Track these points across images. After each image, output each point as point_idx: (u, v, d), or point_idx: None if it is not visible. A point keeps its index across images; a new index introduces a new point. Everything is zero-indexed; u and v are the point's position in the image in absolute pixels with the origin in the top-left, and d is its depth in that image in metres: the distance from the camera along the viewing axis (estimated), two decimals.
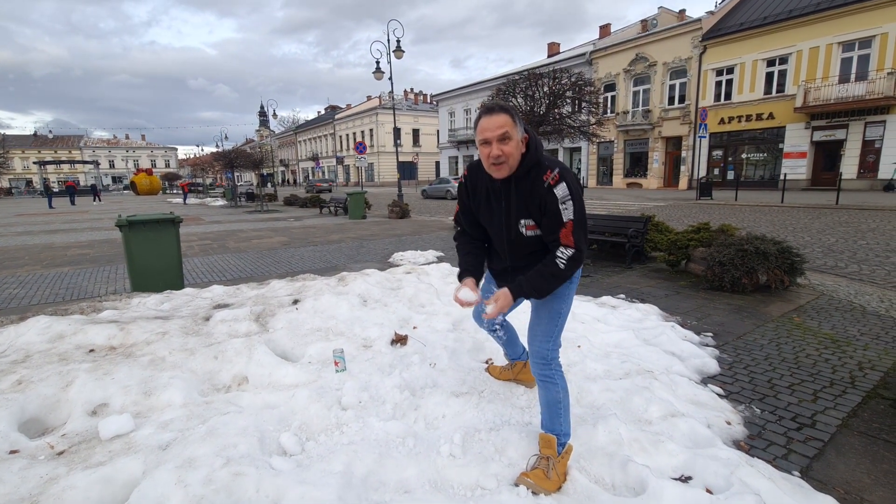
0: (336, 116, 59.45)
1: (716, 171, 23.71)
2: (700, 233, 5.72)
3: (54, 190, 29.13)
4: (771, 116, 21.30)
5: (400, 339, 2.79)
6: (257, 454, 1.65)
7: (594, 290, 5.00)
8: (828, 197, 15.69)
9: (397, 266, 6.48)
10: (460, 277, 1.95)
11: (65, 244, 10.16)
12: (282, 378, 2.28)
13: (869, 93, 18.04)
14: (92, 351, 2.43)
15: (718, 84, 23.02)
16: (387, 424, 1.91)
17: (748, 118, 22.05)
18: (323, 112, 70.57)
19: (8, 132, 68.16)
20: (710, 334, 3.57)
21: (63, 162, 54.61)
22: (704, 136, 18.82)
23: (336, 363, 2.40)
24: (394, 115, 18.14)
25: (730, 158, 23.56)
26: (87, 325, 2.61)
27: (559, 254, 1.65)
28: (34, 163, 56.06)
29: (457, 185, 2.05)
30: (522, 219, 1.74)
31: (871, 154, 18.92)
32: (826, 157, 20.36)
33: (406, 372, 2.43)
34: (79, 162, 58.58)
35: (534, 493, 1.68)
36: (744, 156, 23.02)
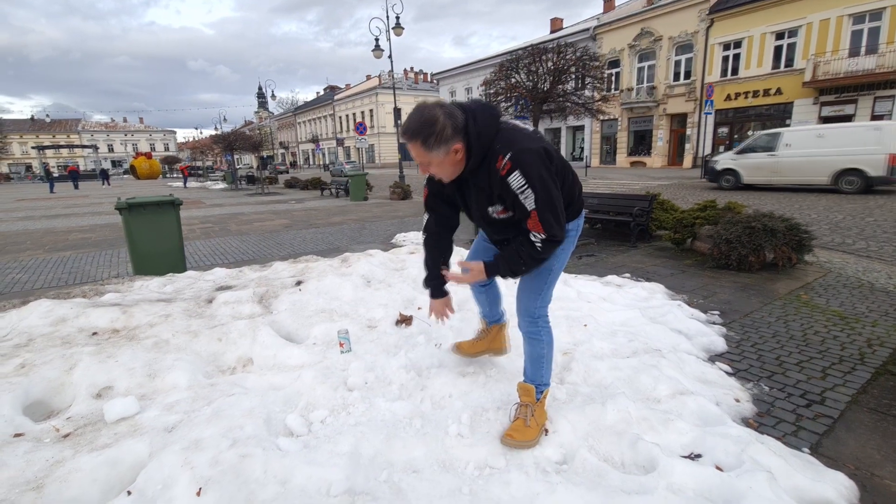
0: (336, 97, 58.63)
1: (721, 149, 23.38)
2: (706, 211, 5.64)
3: (55, 175, 29.02)
4: (779, 92, 20.87)
5: (405, 320, 2.76)
6: (264, 435, 1.63)
7: (599, 269, 4.96)
8: None
9: (400, 247, 6.44)
10: (428, 286, 1.99)
11: (66, 229, 10.14)
12: (287, 359, 2.26)
13: (879, 66, 17.62)
14: (95, 334, 2.41)
15: (725, 59, 22.50)
16: (393, 405, 1.90)
17: (755, 94, 21.61)
18: (322, 93, 69.58)
19: (7, 117, 67.53)
20: (717, 312, 3.54)
21: (62, 146, 54.17)
22: (710, 113, 18.51)
23: (341, 344, 2.36)
24: (394, 94, 17.85)
25: (735, 136, 23.19)
26: (90, 309, 2.59)
27: (532, 238, 1.57)
28: (33, 147, 55.74)
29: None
30: (490, 206, 1.65)
31: None
32: None
33: (412, 352, 2.40)
34: (78, 146, 58.18)
35: (516, 449, 1.73)
36: (750, 133, 22.66)
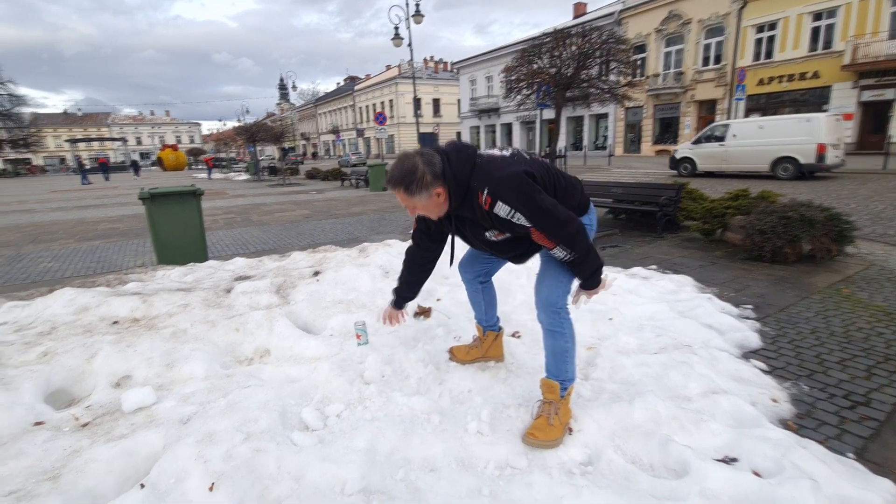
0: (355, 88, 58.71)
1: None
2: (738, 200, 5.40)
3: (87, 167, 30.52)
4: (815, 76, 19.88)
5: (423, 312, 2.70)
6: (278, 429, 1.60)
7: (624, 260, 4.80)
8: (875, 161, 14.68)
9: None
10: (394, 294, 2.05)
11: (96, 219, 10.43)
12: (303, 350, 2.23)
13: None
14: (116, 323, 2.43)
15: (758, 42, 21.52)
16: (411, 399, 1.84)
17: (790, 78, 20.64)
18: (342, 83, 69.77)
19: (42, 111, 70.03)
20: (751, 307, 3.37)
21: (93, 139, 55.99)
22: (742, 99, 17.78)
23: (357, 336, 2.30)
24: (413, 84, 17.70)
25: None
26: (111, 298, 2.61)
27: (555, 253, 1.60)
28: (66, 141, 57.66)
29: None
30: (486, 232, 1.69)
31: None
32: (874, 119, 18.99)
33: (430, 345, 2.34)
34: (108, 139, 59.97)
35: (538, 448, 1.68)
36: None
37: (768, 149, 12.10)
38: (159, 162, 45.23)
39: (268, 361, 2.20)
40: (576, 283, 1.75)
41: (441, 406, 1.89)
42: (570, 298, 1.78)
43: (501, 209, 1.51)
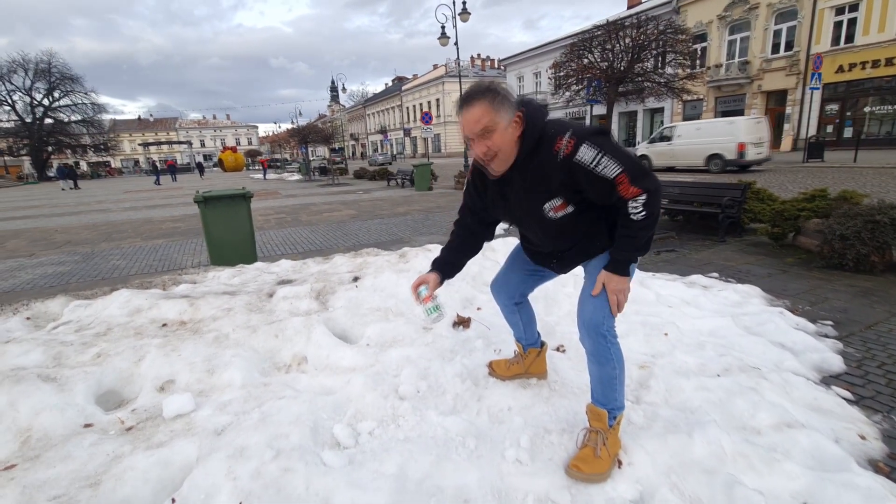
0: (402, 88, 59.52)
1: (829, 129, 20.57)
2: (815, 201, 4.88)
3: (160, 169, 33.28)
4: None
5: (462, 322, 2.61)
6: (309, 446, 1.56)
7: (681, 267, 4.47)
8: None
9: None
10: (432, 265, 1.85)
11: (161, 218, 11.16)
12: (339, 360, 2.20)
13: None
14: (164, 325, 2.51)
15: (837, 25, 19.64)
16: (446, 420, 1.75)
17: (875, 64, 18.67)
18: (390, 84, 70.96)
19: (120, 118, 76.50)
20: (830, 323, 3.00)
21: (162, 143, 60.41)
22: (817, 88, 16.27)
23: (425, 299, 1.74)
24: (459, 83, 17.61)
25: (848, 113, 20.28)
26: (162, 301, 2.71)
27: (631, 210, 1.40)
28: (139, 144, 62.62)
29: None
30: (545, 203, 1.50)
31: None
32: None
33: (468, 358, 2.24)
34: (175, 142, 64.40)
35: (583, 483, 1.52)
36: (867, 109, 19.68)
37: (703, 147, 14.16)
38: (220, 163, 48.03)
39: (305, 370, 2.19)
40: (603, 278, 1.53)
41: (478, 427, 1.78)
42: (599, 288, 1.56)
43: (586, 153, 1.35)
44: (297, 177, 28.30)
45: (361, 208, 10.87)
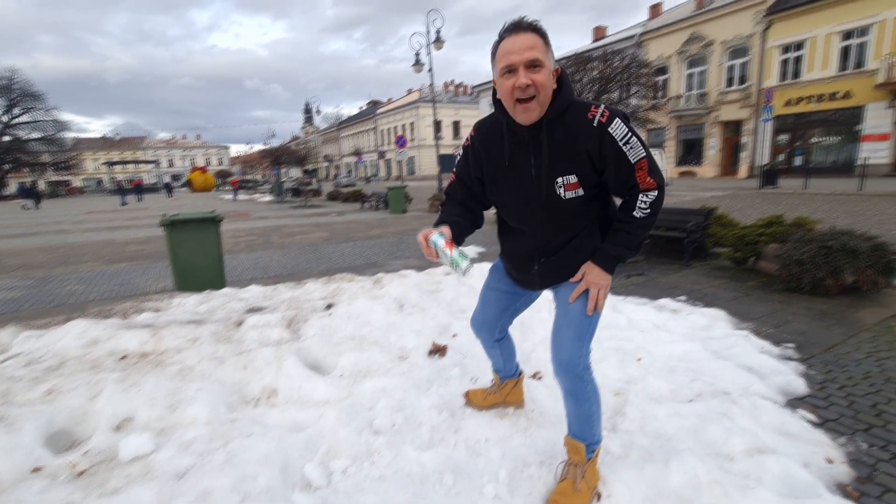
0: (377, 111, 60.11)
1: (780, 157, 21.87)
2: (772, 227, 5.13)
3: (127, 188, 32.03)
4: (847, 95, 19.32)
5: (438, 350, 2.57)
6: (278, 488, 1.48)
7: (650, 290, 4.58)
8: None
9: (438, 262, 6.29)
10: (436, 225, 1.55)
11: (124, 240, 10.72)
12: (311, 393, 2.12)
13: None
14: (124, 358, 2.38)
15: (785, 62, 21.15)
16: (423, 454, 1.70)
17: (819, 98, 20.12)
18: (365, 107, 71.57)
19: (84, 135, 74.05)
20: (792, 345, 3.12)
21: (128, 162, 58.64)
22: (769, 120, 17.37)
23: (449, 245, 1.44)
24: (433, 107, 17.92)
25: (797, 143, 21.67)
26: (122, 331, 2.57)
27: (640, 203, 1.38)
28: (103, 164, 60.56)
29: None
30: (560, 176, 1.38)
31: None
32: None
33: (444, 388, 2.20)
34: (142, 162, 62.63)
35: None
36: (814, 140, 21.10)
37: None
38: (189, 183, 46.90)
39: (274, 403, 2.10)
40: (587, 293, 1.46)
41: (455, 461, 1.74)
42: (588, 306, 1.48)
43: (620, 127, 1.32)
44: (268, 198, 27.87)
45: (335, 231, 10.75)
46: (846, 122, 19.75)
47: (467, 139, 1.58)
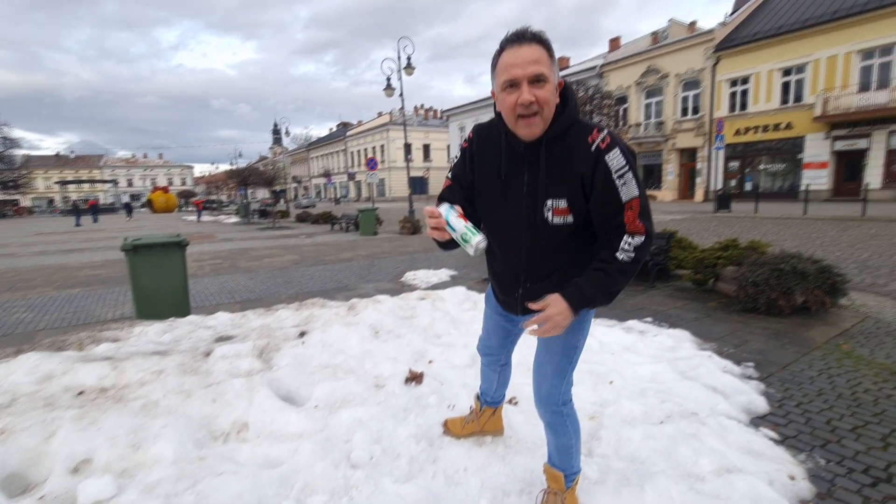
0: (347, 133, 60.21)
1: (733, 183, 23.24)
2: (728, 250, 5.41)
3: (82, 208, 30.27)
4: (789, 126, 20.87)
5: (415, 377, 2.55)
6: None
7: (618, 312, 4.71)
8: (852, 208, 15.16)
9: (410, 286, 6.27)
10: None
11: (78, 264, 10.16)
12: (285, 426, 2.05)
13: (892, 101, 17.58)
14: (81, 394, 2.24)
15: (733, 95, 22.70)
16: (402, 487, 1.67)
17: (765, 129, 21.64)
18: (335, 129, 71.58)
19: (36, 153, 70.44)
20: (752, 364, 3.27)
21: (83, 181, 56.08)
22: (721, 148, 18.47)
23: (462, 217, 1.35)
24: (404, 131, 18.14)
25: (747, 169, 23.12)
26: (79, 364, 2.42)
27: (624, 245, 1.25)
28: (55, 182, 57.65)
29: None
30: (551, 198, 1.30)
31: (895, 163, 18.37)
32: (848, 167, 19.83)
33: (422, 417, 2.19)
34: (98, 181, 60.04)
35: None
36: (761, 167, 22.57)
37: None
38: (149, 204, 45.22)
39: (245, 438, 2.02)
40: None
41: (435, 492, 1.72)
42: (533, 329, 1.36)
43: (618, 157, 1.23)
44: (234, 219, 27.17)
45: (304, 253, 10.56)
46: (789, 151, 21.27)
47: (466, 140, 1.50)
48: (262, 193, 47.76)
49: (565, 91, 1.30)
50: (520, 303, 1.53)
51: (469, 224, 1.30)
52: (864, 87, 18.62)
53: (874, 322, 4.16)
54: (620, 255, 1.27)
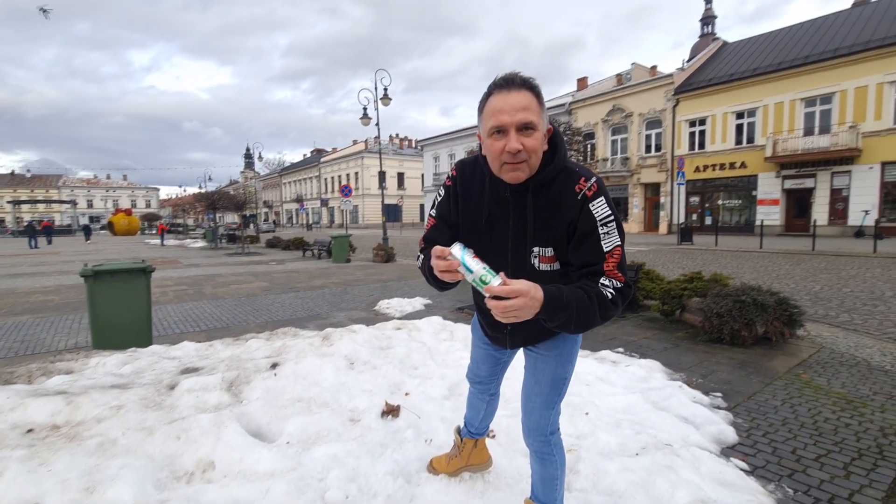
0: (322, 159, 60.22)
1: (694, 217, 24.40)
2: (693, 282, 5.63)
3: (37, 230, 28.52)
4: (743, 165, 22.25)
5: (391, 411, 2.50)
6: None
7: (590, 342, 4.78)
8: (803, 243, 16.12)
9: (384, 315, 6.19)
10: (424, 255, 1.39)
11: (28, 289, 9.56)
12: (255, 464, 1.95)
13: (833, 145, 19.06)
14: (31, 431, 2.07)
15: (692, 134, 24.12)
16: None
17: (722, 167, 22.99)
18: (309, 155, 71.46)
19: None
20: (720, 394, 3.36)
21: (38, 201, 53.42)
22: (682, 184, 19.44)
23: (476, 257, 1.23)
24: (380, 159, 18.30)
25: (707, 204, 24.35)
26: (29, 399, 2.25)
27: (605, 282, 1.22)
28: (8, 202, 54.75)
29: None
30: (538, 246, 1.30)
31: (839, 202, 19.77)
32: (797, 204, 21.19)
33: (399, 452, 2.13)
34: (56, 201, 57.34)
35: None
36: (720, 202, 23.83)
37: None
38: (110, 226, 43.42)
39: (211, 478, 1.91)
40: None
41: None
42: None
43: (602, 208, 1.22)
44: (201, 244, 26.34)
45: (274, 280, 10.31)
46: (744, 188, 22.60)
47: (449, 178, 1.46)
48: (232, 218, 46.76)
49: (555, 137, 1.29)
50: (509, 338, 1.51)
51: (486, 265, 1.20)
52: (809, 131, 20.17)
53: (829, 352, 4.37)
54: (602, 290, 1.24)
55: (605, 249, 1.24)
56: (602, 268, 1.24)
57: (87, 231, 34.84)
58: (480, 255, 1.21)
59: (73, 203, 56.94)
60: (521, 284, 1.12)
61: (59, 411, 2.21)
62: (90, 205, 76.04)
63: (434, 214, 1.50)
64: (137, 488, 1.76)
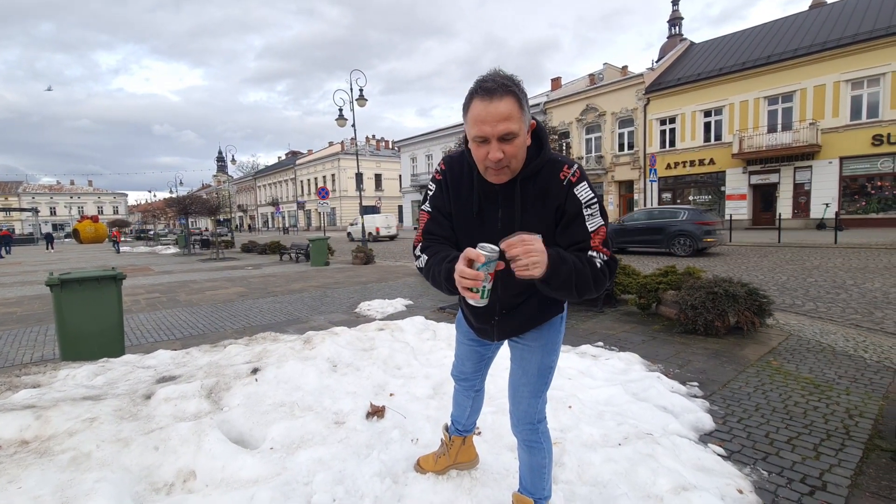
0: (297, 162, 59.31)
1: None
2: (668, 276, 5.78)
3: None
4: (712, 162, 22.95)
5: (376, 412, 2.48)
6: None
7: (571, 337, 4.86)
8: (769, 235, 16.73)
9: (365, 317, 6.14)
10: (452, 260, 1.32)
11: None
12: (238, 471, 1.91)
13: (795, 141, 19.86)
14: None
15: (663, 132, 24.75)
16: None
17: (692, 163, 23.66)
18: (284, 157, 70.29)
19: None
20: (696, 383, 3.46)
21: None
22: (654, 181, 19.93)
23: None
24: (357, 160, 18.15)
25: (678, 200, 24.99)
26: None
27: (593, 254, 1.28)
28: None
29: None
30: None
31: (802, 196, 20.61)
32: (763, 199, 21.99)
33: (385, 453, 2.12)
34: (15, 209, 54.76)
35: None
36: (690, 198, 24.50)
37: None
38: (75, 234, 41.71)
39: (192, 489, 1.86)
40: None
41: None
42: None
43: (585, 191, 1.30)
44: (173, 250, 25.59)
45: (251, 285, 10.10)
46: (713, 184, 23.31)
47: (438, 172, 1.50)
48: (205, 223, 45.56)
49: (539, 132, 1.35)
50: (496, 330, 1.55)
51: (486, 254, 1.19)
52: (772, 128, 20.96)
53: (797, 339, 4.56)
54: (595, 262, 1.29)
55: (591, 229, 1.31)
56: (589, 244, 1.31)
57: (49, 239, 33.07)
58: (472, 245, 1.23)
59: (35, 211, 54.41)
60: (537, 243, 1.17)
61: (28, 426, 2.12)
62: (53, 212, 73.00)
63: (429, 207, 1.52)
64: (115, 502, 1.70)
